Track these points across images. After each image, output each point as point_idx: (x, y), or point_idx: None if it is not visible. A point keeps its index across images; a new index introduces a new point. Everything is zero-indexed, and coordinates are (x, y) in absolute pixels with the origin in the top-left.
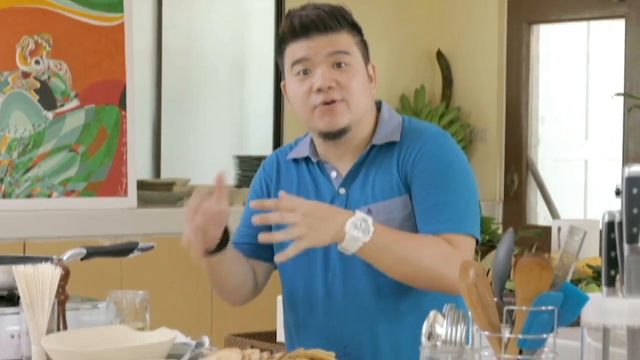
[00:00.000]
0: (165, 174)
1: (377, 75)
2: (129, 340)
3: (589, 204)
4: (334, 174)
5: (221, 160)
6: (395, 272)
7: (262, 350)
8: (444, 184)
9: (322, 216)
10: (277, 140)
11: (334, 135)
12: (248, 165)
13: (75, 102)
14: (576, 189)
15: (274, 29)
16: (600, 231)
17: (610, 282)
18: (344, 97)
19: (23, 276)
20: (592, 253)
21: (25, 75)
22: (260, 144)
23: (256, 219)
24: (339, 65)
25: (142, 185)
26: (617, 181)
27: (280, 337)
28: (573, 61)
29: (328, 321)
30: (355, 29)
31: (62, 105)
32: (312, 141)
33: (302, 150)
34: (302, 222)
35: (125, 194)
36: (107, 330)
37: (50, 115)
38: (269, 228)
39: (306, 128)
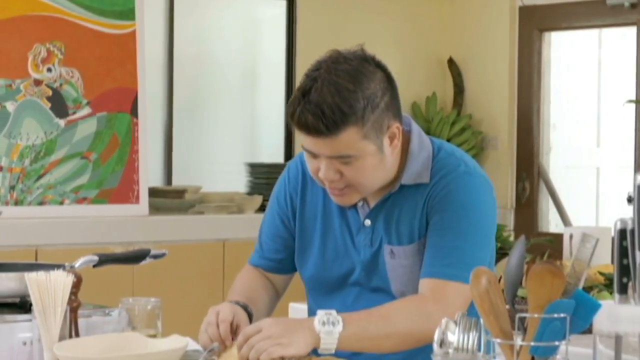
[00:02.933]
0: (177, 181)
1: None
2: (140, 348)
3: (601, 211)
4: (360, 203)
5: (232, 167)
6: (384, 349)
7: None
8: (456, 227)
9: (286, 326)
10: (289, 148)
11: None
12: (259, 173)
13: (87, 110)
14: (588, 196)
15: (286, 36)
16: (613, 238)
17: (623, 290)
18: (350, 184)
19: (35, 283)
20: (604, 260)
21: (38, 82)
22: (272, 152)
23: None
24: (344, 161)
25: (153, 192)
26: (629, 188)
27: None
28: (584, 68)
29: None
30: (359, 119)
31: (74, 113)
32: None
33: None
34: (273, 336)
35: (137, 201)
36: (119, 337)
37: (62, 122)
38: (293, 243)
39: None
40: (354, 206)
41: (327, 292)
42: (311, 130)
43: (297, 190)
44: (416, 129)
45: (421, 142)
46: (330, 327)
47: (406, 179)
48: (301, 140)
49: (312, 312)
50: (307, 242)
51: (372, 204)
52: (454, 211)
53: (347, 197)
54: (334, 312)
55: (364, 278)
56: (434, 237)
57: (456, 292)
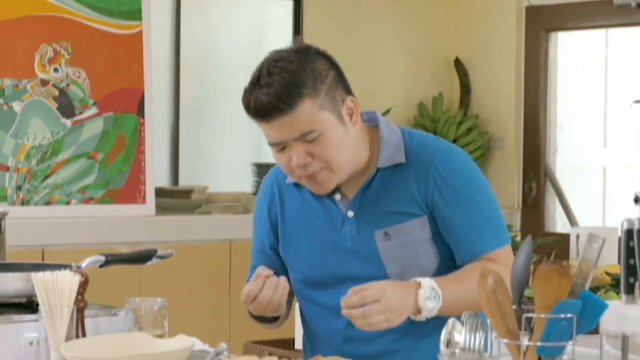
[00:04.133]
0: (183, 182)
1: (394, 84)
2: (147, 348)
3: (608, 211)
4: (337, 197)
5: (239, 167)
6: (463, 311)
7: (280, 357)
8: (469, 202)
9: (399, 300)
10: None
11: (328, 194)
12: (266, 173)
13: (93, 110)
14: (594, 196)
15: (292, 36)
16: (619, 239)
17: (629, 290)
18: (323, 166)
19: (42, 283)
20: (610, 260)
21: (44, 83)
22: None
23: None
24: (310, 139)
25: (160, 192)
26: (635, 188)
27: (299, 344)
28: (591, 68)
29: (345, 336)
30: (312, 90)
31: (80, 113)
32: None
33: None
34: (386, 311)
35: (144, 201)
36: (125, 337)
37: (68, 122)
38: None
39: None
40: (333, 200)
41: (320, 289)
42: (269, 111)
43: (275, 200)
44: (383, 120)
45: (390, 130)
46: (432, 302)
47: (382, 162)
48: (266, 135)
49: (307, 309)
50: (292, 246)
51: (351, 195)
52: (459, 190)
53: (325, 182)
54: (436, 284)
55: (356, 269)
56: (455, 221)
57: (506, 256)
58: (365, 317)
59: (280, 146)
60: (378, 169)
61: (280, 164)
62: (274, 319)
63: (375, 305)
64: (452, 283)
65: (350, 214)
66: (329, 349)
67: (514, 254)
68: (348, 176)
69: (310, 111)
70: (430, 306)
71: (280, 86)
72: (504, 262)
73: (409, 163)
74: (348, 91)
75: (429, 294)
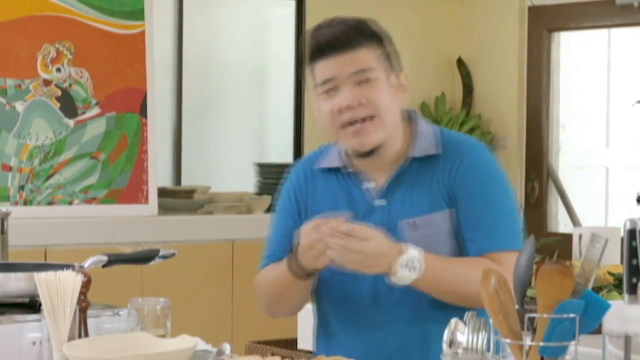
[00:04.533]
0: (186, 182)
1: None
2: (150, 348)
3: (610, 211)
4: (367, 185)
5: (241, 167)
6: (444, 300)
7: (283, 357)
8: (491, 199)
9: (380, 252)
10: (298, 148)
11: (366, 154)
12: (268, 173)
13: (96, 110)
14: (597, 196)
15: (295, 36)
16: (622, 239)
17: (632, 290)
18: (372, 113)
19: (44, 283)
20: (613, 261)
21: (47, 83)
22: (281, 152)
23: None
24: (365, 81)
25: (162, 192)
26: (638, 189)
27: (301, 344)
28: (594, 68)
29: (373, 325)
30: (378, 41)
31: (83, 113)
32: (340, 151)
33: (333, 160)
34: (364, 253)
35: (146, 201)
36: (128, 337)
37: (71, 122)
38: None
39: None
40: (361, 189)
41: (341, 277)
42: (333, 45)
43: (302, 187)
44: (421, 116)
45: (427, 124)
46: (406, 272)
47: (416, 152)
48: (320, 74)
49: (322, 299)
50: None
51: (381, 183)
52: (482, 184)
53: (369, 134)
54: (422, 257)
55: None
56: (471, 212)
57: (511, 261)
58: (343, 248)
59: (331, 85)
60: (412, 159)
61: (325, 114)
62: (313, 274)
63: (358, 243)
64: (443, 263)
65: (380, 202)
66: (352, 338)
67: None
68: (389, 141)
69: (372, 56)
70: (403, 274)
71: (348, 25)
72: (506, 265)
73: (441, 156)
74: (401, 69)
75: (407, 263)
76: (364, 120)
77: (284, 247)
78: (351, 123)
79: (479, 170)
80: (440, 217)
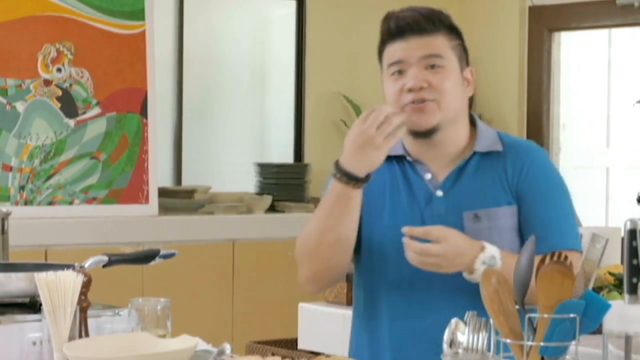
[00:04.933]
0: (186, 182)
1: None
2: (150, 348)
3: (611, 211)
4: (428, 176)
5: (242, 167)
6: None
7: (283, 357)
8: (560, 201)
9: (459, 252)
10: (298, 148)
11: (423, 134)
12: (269, 173)
13: (96, 110)
14: (597, 196)
15: (295, 36)
16: (622, 239)
17: (632, 290)
18: (435, 97)
19: (45, 283)
20: (613, 261)
21: (47, 83)
22: (281, 152)
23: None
24: (432, 67)
25: (163, 192)
26: (638, 189)
27: (301, 344)
28: (594, 68)
29: (426, 311)
30: (453, 32)
31: (83, 113)
32: (403, 140)
33: (396, 148)
34: (442, 255)
35: (147, 201)
36: (128, 337)
37: (71, 123)
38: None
39: None
40: (422, 179)
41: (391, 263)
42: (411, 27)
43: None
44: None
45: (485, 125)
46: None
47: (480, 147)
48: (390, 56)
49: (370, 285)
50: (375, 217)
51: (442, 177)
52: (551, 186)
53: (430, 114)
54: (498, 254)
55: None
56: (541, 211)
57: (577, 260)
58: (421, 254)
59: (400, 66)
60: (475, 153)
61: (390, 94)
62: (364, 179)
63: (434, 246)
64: (514, 260)
65: (439, 193)
66: (403, 327)
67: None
68: (448, 128)
69: (444, 43)
70: (482, 272)
71: (426, 11)
72: (575, 264)
73: (505, 153)
74: (469, 64)
75: (487, 260)
76: (425, 101)
77: None
78: (414, 102)
79: (547, 173)
80: (504, 212)
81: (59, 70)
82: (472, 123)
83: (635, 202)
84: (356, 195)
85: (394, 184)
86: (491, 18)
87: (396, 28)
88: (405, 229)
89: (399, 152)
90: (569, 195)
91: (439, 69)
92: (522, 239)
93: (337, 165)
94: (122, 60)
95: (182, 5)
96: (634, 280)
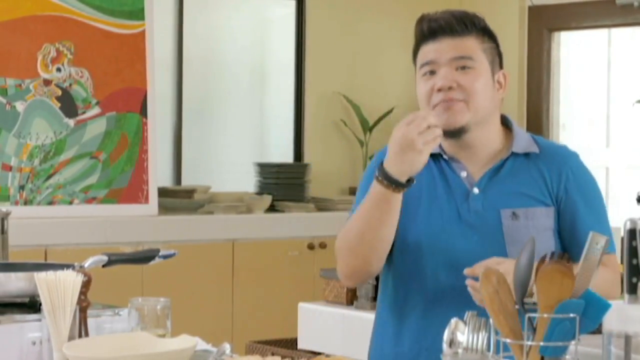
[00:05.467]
0: (186, 181)
1: (396, 84)
2: (150, 347)
3: (610, 211)
4: (464, 174)
5: (242, 167)
6: None
7: (283, 357)
8: (596, 206)
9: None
10: (298, 147)
11: (452, 134)
12: (268, 173)
13: (96, 110)
14: None
15: (295, 36)
16: (622, 238)
17: (632, 290)
18: (464, 97)
19: (45, 283)
20: None
21: (47, 82)
22: (281, 151)
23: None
24: (462, 68)
25: (163, 192)
26: (638, 188)
27: (301, 344)
28: (594, 68)
29: (451, 309)
30: (486, 35)
31: (83, 113)
32: None
33: None
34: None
35: (146, 201)
36: (128, 337)
37: (71, 122)
38: None
39: None
40: (459, 176)
41: (424, 259)
42: (444, 29)
43: None
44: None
45: (519, 127)
46: None
47: (516, 148)
48: (423, 57)
49: (402, 280)
50: (410, 213)
51: (478, 176)
52: (593, 191)
53: (459, 113)
54: None
55: (473, 244)
56: (587, 216)
57: (617, 263)
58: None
59: (432, 67)
60: (511, 154)
61: (422, 94)
62: (407, 184)
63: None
64: None
65: (476, 190)
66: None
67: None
68: (478, 129)
69: (475, 45)
70: None
71: (459, 14)
72: (613, 267)
73: (542, 155)
74: (502, 67)
75: None
76: (453, 101)
77: None
78: (443, 102)
79: (586, 178)
80: (542, 212)
81: (58, 70)
82: (506, 125)
83: (635, 201)
84: (397, 198)
85: (431, 180)
86: (491, 18)
87: (429, 30)
88: (467, 270)
89: (435, 150)
90: (603, 199)
91: (469, 70)
92: (562, 242)
93: (380, 167)
94: (122, 60)
95: (182, 5)
96: (634, 280)
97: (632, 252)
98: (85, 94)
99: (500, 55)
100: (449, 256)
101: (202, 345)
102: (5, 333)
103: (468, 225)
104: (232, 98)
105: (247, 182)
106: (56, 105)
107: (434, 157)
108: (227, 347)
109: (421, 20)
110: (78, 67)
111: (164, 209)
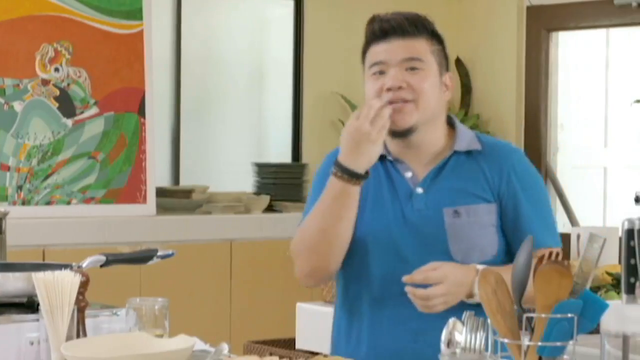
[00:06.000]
0: (184, 181)
1: None
2: (148, 347)
3: (608, 211)
4: (409, 174)
5: (240, 167)
6: None
7: (281, 357)
8: (541, 199)
9: (459, 283)
10: (296, 148)
11: (401, 134)
12: (267, 173)
13: (94, 110)
14: (595, 196)
15: (293, 36)
16: (620, 238)
17: (630, 290)
18: (413, 97)
19: (43, 283)
20: (611, 260)
21: (45, 82)
22: (279, 151)
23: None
24: (412, 69)
25: (161, 192)
26: (636, 188)
27: (299, 344)
28: (592, 68)
29: (405, 304)
30: (435, 37)
31: (81, 113)
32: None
33: None
34: (447, 294)
35: (145, 201)
36: (126, 337)
37: (69, 122)
38: None
39: None
40: (403, 177)
41: (372, 259)
42: (395, 30)
43: None
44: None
45: (463, 125)
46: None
47: (459, 146)
48: (373, 57)
49: (353, 278)
50: (359, 214)
51: (422, 175)
52: (535, 186)
53: (407, 114)
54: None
55: (417, 243)
56: (531, 211)
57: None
58: (427, 299)
59: (382, 67)
60: (454, 152)
61: (370, 93)
62: (364, 176)
63: (437, 287)
64: (504, 271)
65: (420, 190)
66: (383, 321)
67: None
68: (425, 129)
69: (425, 47)
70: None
71: (410, 16)
72: None
73: (484, 152)
74: (448, 69)
75: None
76: (404, 102)
77: None
78: (392, 102)
79: (527, 172)
80: (484, 209)
81: (56, 69)
82: (451, 125)
83: (633, 201)
84: (355, 191)
85: (377, 182)
86: (489, 18)
87: (380, 30)
88: (406, 278)
89: (381, 152)
90: (548, 194)
91: (418, 71)
92: (505, 237)
93: (337, 163)
94: (120, 59)
95: (180, 4)
96: (632, 280)
97: (629, 252)
98: (83, 94)
99: (447, 58)
100: (395, 256)
101: (200, 345)
102: (3, 333)
103: (412, 225)
104: (230, 98)
105: (245, 182)
106: (54, 105)
107: (380, 158)
108: (225, 347)
109: (373, 20)
110: (76, 67)
111: (162, 209)
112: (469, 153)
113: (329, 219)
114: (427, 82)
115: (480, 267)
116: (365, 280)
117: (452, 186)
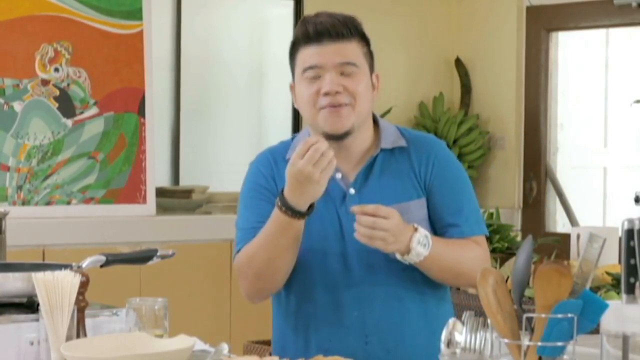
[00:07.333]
0: (184, 181)
1: (395, 84)
2: (147, 347)
3: (608, 211)
4: (339, 175)
5: (240, 167)
6: (439, 277)
7: (280, 357)
8: (464, 190)
9: (401, 230)
10: None
11: (337, 137)
12: None
13: (94, 110)
14: (595, 196)
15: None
16: (620, 239)
17: (630, 290)
18: (350, 101)
19: (42, 283)
20: (611, 260)
21: (45, 82)
22: None
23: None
24: (347, 73)
25: (160, 192)
26: (636, 188)
27: None
28: (592, 68)
29: (351, 306)
30: (364, 39)
31: (81, 113)
32: None
33: None
34: (390, 230)
35: (144, 201)
36: (126, 337)
37: (69, 122)
38: None
39: (311, 128)
40: (333, 178)
41: (312, 263)
42: (329, 32)
43: (275, 174)
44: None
45: (386, 122)
46: (422, 248)
47: (385, 144)
48: (306, 60)
49: (294, 287)
50: None
51: (352, 175)
52: (456, 176)
53: (345, 117)
54: (429, 235)
55: (355, 244)
56: (449, 201)
57: (485, 243)
58: (372, 227)
59: (317, 71)
60: (381, 150)
61: (305, 96)
62: (308, 211)
63: (384, 221)
64: (442, 241)
65: (352, 191)
66: (327, 326)
67: (515, 254)
68: (358, 131)
69: (358, 50)
70: (418, 251)
71: (342, 18)
72: (484, 247)
73: (409, 148)
74: (374, 70)
75: (421, 240)
76: (341, 105)
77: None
78: (330, 106)
79: (451, 164)
80: (416, 204)
81: (56, 70)
82: (375, 122)
83: (633, 201)
84: (300, 224)
85: None
86: (489, 18)
87: (314, 32)
88: (356, 208)
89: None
90: (470, 183)
91: (354, 74)
92: (433, 228)
93: (282, 197)
94: (120, 60)
95: (180, 5)
96: (632, 280)
97: (629, 252)
98: (83, 94)
99: (373, 58)
100: (332, 259)
101: (199, 345)
102: (3, 333)
103: (348, 226)
104: (230, 98)
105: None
106: (54, 105)
107: None
108: (225, 347)
109: (305, 22)
110: (76, 67)
111: (161, 209)
112: (395, 149)
113: (275, 249)
114: (362, 85)
115: (419, 227)
116: (308, 287)
117: (383, 185)
